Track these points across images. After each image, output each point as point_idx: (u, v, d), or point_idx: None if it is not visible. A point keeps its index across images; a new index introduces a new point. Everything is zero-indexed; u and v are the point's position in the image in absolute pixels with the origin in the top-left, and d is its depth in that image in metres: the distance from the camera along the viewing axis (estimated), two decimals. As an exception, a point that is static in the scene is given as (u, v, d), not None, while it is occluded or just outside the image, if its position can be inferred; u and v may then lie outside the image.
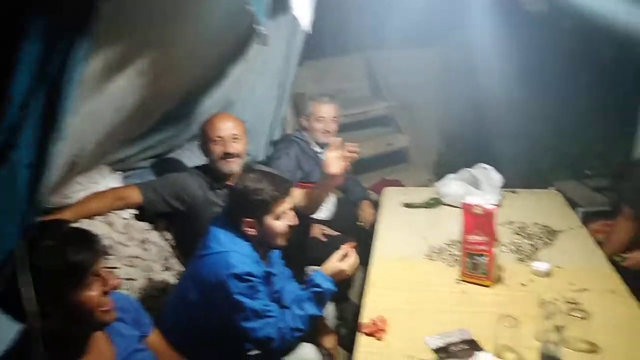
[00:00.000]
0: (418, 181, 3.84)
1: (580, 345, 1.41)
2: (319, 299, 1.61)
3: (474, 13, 3.43)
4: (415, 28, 3.79)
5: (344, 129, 4.16)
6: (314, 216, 2.56)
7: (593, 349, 1.40)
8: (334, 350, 1.76)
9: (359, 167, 3.89)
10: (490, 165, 2.44)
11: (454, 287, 1.74)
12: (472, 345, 1.40)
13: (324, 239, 2.41)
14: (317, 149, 2.64)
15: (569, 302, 1.59)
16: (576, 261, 1.87)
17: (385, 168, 4.28)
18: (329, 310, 1.93)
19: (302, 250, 2.20)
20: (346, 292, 2.39)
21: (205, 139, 2.01)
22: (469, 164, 2.53)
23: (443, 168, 3.85)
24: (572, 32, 3.53)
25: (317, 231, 2.46)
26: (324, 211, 2.57)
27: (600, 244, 2.26)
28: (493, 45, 3.50)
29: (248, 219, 1.55)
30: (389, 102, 4.31)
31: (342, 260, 1.66)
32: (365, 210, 2.68)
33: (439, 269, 1.86)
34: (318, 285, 1.60)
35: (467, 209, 1.69)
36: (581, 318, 1.45)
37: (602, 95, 3.43)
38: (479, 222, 1.68)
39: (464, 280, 1.75)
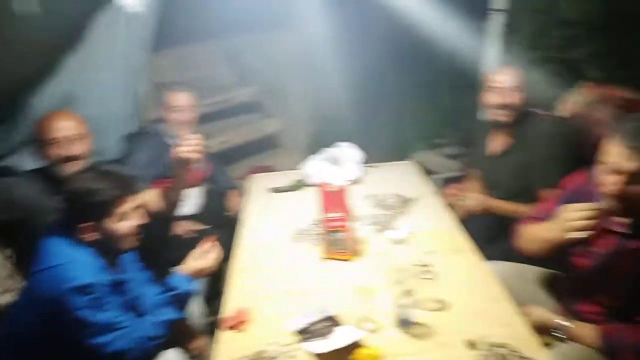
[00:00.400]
0: (292, 165, 3.87)
1: (430, 304, 1.50)
2: (179, 301, 1.54)
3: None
4: (276, 11, 3.77)
5: (210, 118, 4.05)
6: (179, 212, 2.46)
7: (442, 306, 1.50)
8: (203, 352, 1.70)
9: (229, 156, 3.83)
10: (360, 142, 2.51)
11: (318, 266, 1.76)
12: (332, 322, 1.42)
13: (192, 235, 2.31)
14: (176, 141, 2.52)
15: (421, 265, 1.69)
16: (428, 226, 1.98)
17: (258, 155, 4.25)
18: (195, 310, 1.86)
19: (165, 250, 2.09)
20: (219, 287, 2.33)
21: (40, 142, 1.80)
22: (338, 140, 2.58)
23: (316, 149, 3.92)
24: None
25: (183, 228, 2.35)
26: (189, 206, 2.46)
27: (452, 206, 2.46)
28: (354, 25, 3.59)
29: (86, 224, 1.41)
30: (255, 88, 4.26)
31: (202, 256, 1.60)
32: (233, 200, 2.62)
33: (304, 250, 1.87)
34: (176, 288, 1.53)
35: (322, 188, 1.71)
36: (429, 279, 1.55)
37: (450, 67, 3.69)
38: (334, 199, 1.71)
39: (327, 258, 1.78)
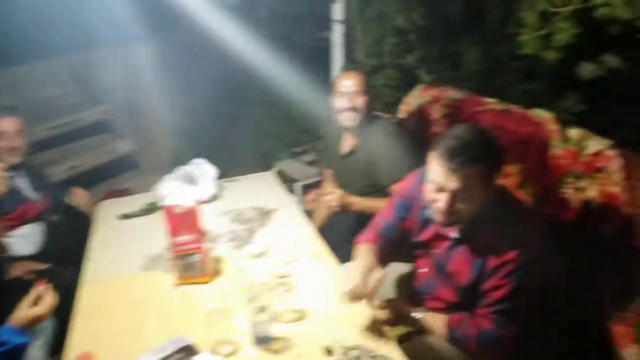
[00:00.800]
0: (153, 186, 3.67)
1: (289, 316, 1.49)
2: (11, 356, 1.35)
3: (179, 8, 3.37)
4: (125, 25, 3.55)
5: (56, 142, 3.71)
6: (16, 253, 2.20)
7: (300, 316, 1.50)
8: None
9: (80, 182, 3.51)
10: (221, 157, 2.44)
11: (173, 294, 1.67)
12: (188, 351, 1.35)
13: (31, 277, 2.06)
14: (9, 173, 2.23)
15: (279, 277, 1.69)
16: (288, 235, 1.99)
17: (115, 178, 3.97)
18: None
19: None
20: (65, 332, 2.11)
21: None
22: (201, 157, 2.49)
23: (175, 168, 3.76)
24: (269, 19, 3.78)
25: (21, 269, 2.10)
26: (27, 245, 2.21)
27: (313, 211, 2.50)
28: (203, 37, 3.50)
29: None
30: (106, 107, 3.98)
31: (35, 303, 1.42)
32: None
33: (157, 278, 1.76)
34: (4, 343, 1.34)
35: (168, 211, 1.62)
36: (287, 290, 1.55)
37: (303, 75, 3.79)
38: (183, 221, 1.63)
39: (182, 284, 1.70)
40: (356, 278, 1.39)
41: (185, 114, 4.06)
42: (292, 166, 3.30)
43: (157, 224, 2.16)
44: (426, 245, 1.57)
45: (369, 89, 2.17)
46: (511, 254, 1.33)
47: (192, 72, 4.01)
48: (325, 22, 3.25)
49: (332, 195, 2.04)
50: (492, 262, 1.36)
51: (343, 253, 1.98)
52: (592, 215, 1.56)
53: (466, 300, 1.47)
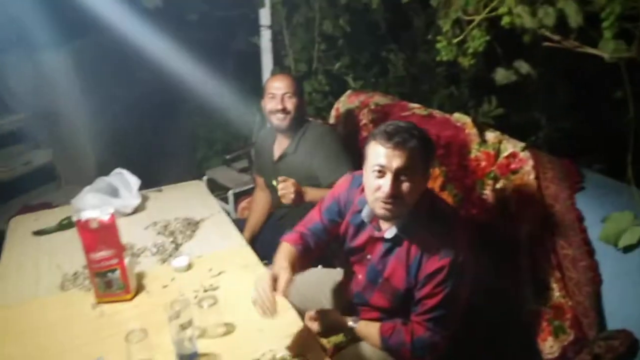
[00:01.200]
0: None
1: (216, 330, 1.45)
2: None
3: (98, 11, 3.20)
4: (36, 29, 3.33)
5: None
6: None
7: (228, 329, 1.46)
8: None
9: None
10: (153, 163, 2.33)
11: (91, 314, 1.57)
12: (106, 375, 1.28)
13: None
14: None
15: (205, 291, 1.63)
16: (215, 246, 1.93)
17: (32, 191, 3.72)
18: None
19: None
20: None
21: None
22: (131, 167, 2.38)
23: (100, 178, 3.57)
24: (199, 23, 3.68)
25: None
26: None
27: (243, 221, 2.46)
28: (125, 43, 3.36)
29: None
30: (21, 115, 3.71)
31: None
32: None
33: (75, 298, 1.65)
34: None
35: (82, 226, 1.53)
36: (214, 304, 1.50)
37: (235, 81, 3.73)
38: (100, 236, 1.54)
39: (101, 302, 1.60)
40: (259, 287, 1.35)
41: (110, 122, 3.87)
42: (224, 174, 3.23)
43: (74, 239, 2.04)
44: (360, 250, 1.56)
45: (300, 92, 2.16)
46: (444, 261, 1.34)
47: (115, 78, 3.83)
48: (256, 27, 3.22)
49: (285, 183, 1.89)
50: (426, 268, 1.37)
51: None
52: (510, 215, 1.63)
53: (400, 306, 1.48)
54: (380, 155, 1.33)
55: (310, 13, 3.07)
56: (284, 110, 2.10)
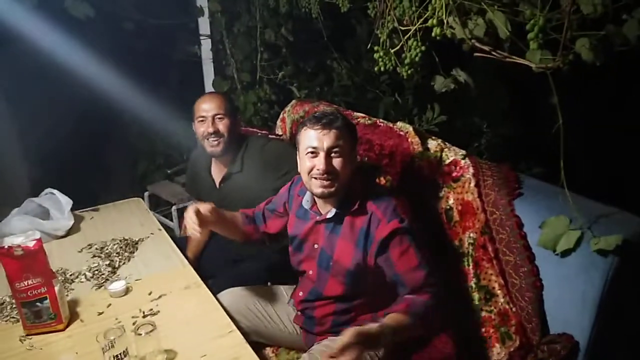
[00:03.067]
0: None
1: (157, 358, 1.36)
2: None
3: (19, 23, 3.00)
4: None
5: None
6: None
7: (170, 356, 1.38)
8: None
9: None
10: (92, 181, 2.21)
11: (19, 348, 1.45)
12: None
13: None
14: None
15: (147, 315, 1.55)
16: (155, 268, 1.84)
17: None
18: None
19: None
20: None
21: None
22: (67, 186, 2.24)
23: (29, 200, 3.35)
24: (136, 33, 3.55)
25: None
26: None
27: (187, 238, 2.36)
28: (54, 54, 3.17)
29: None
30: None
31: None
32: None
33: (1, 331, 1.53)
34: None
35: (4, 254, 1.41)
36: (150, 331, 1.41)
37: (176, 91, 3.61)
38: (25, 264, 1.43)
39: (30, 334, 1.48)
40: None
41: (42, 139, 3.65)
42: (167, 188, 3.11)
43: None
44: (307, 241, 1.62)
45: (232, 111, 2.08)
46: (393, 223, 1.43)
47: (44, 93, 3.61)
48: (196, 36, 3.14)
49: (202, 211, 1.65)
50: (379, 234, 1.44)
51: (221, 281, 1.89)
52: (453, 223, 1.64)
53: (352, 290, 1.53)
54: (312, 137, 1.47)
55: (251, 22, 3.04)
56: (216, 134, 2.01)
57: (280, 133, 2.61)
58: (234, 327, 1.49)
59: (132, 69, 3.40)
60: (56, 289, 1.49)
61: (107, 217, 2.27)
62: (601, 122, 2.36)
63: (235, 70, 3.07)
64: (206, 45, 3.20)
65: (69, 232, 2.09)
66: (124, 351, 1.24)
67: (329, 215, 1.53)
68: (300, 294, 1.67)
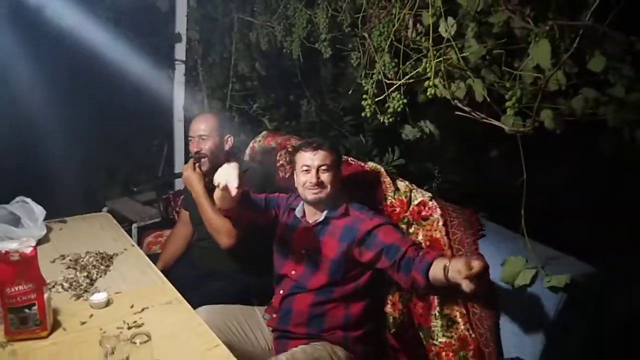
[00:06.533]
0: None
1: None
2: None
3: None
4: None
5: None
6: None
7: (160, 367, 1.44)
8: None
9: None
10: (44, 193, 2.19)
11: (3, 355, 1.44)
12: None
13: None
14: None
15: (132, 327, 1.59)
16: (133, 282, 1.87)
17: None
18: None
19: None
20: None
21: None
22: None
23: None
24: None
25: None
26: None
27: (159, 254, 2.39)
28: (17, 64, 3.11)
29: None
30: None
31: None
32: None
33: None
34: None
35: (1, 259, 1.42)
36: (145, 341, 1.47)
37: (143, 109, 3.61)
38: (20, 269, 1.45)
39: (13, 340, 1.48)
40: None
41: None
42: (127, 205, 3.09)
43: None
44: (295, 247, 1.90)
45: (220, 132, 2.21)
46: (376, 220, 1.79)
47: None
48: (170, 60, 3.22)
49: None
50: (364, 227, 1.77)
51: (194, 296, 1.94)
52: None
53: (335, 274, 1.80)
54: (306, 158, 1.85)
55: (225, 53, 3.17)
56: (197, 153, 2.14)
57: (247, 159, 2.72)
58: (220, 341, 1.57)
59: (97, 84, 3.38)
60: (45, 296, 1.51)
61: (77, 230, 2.26)
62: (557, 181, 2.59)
63: (207, 96, 3.17)
64: (178, 69, 3.29)
65: (39, 242, 2.07)
66: (124, 358, 1.29)
67: (320, 219, 1.86)
68: (281, 292, 1.91)
